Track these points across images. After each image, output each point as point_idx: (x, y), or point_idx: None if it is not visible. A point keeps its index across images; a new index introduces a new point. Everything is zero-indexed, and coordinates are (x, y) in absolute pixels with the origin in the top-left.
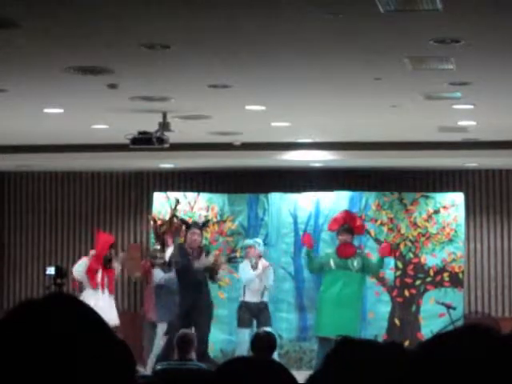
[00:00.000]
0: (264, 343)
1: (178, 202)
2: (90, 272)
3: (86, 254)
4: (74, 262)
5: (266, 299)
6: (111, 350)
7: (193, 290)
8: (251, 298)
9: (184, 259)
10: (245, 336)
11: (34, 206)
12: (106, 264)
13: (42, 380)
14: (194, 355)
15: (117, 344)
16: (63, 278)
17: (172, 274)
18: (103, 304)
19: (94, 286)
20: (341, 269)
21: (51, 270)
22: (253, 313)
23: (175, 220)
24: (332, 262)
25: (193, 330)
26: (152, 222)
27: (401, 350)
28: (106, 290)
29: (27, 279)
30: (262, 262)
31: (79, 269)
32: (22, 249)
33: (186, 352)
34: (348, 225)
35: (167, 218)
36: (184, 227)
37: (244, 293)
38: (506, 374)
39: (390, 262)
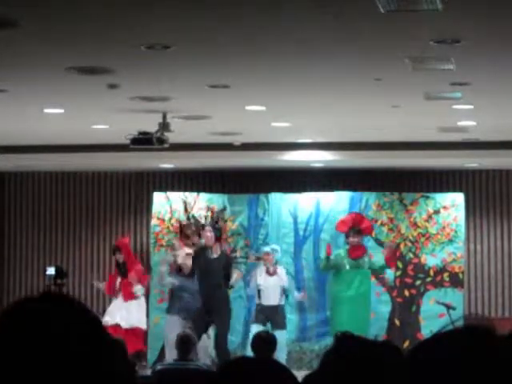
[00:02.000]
0: (264, 343)
1: (185, 203)
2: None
3: (86, 254)
4: (74, 262)
5: (282, 302)
6: (103, 350)
7: (212, 291)
8: (267, 301)
9: (206, 260)
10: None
11: (34, 206)
12: (121, 271)
13: (35, 380)
14: (193, 355)
15: (109, 343)
16: (63, 279)
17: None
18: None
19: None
20: (355, 268)
21: (51, 270)
22: (267, 314)
23: (192, 220)
24: (346, 264)
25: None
26: (178, 225)
27: (397, 351)
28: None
29: (27, 279)
30: (278, 268)
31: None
32: (22, 249)
33: (186, 352)
34: (357, 227)
35: (166, 218)
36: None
37: (259, 296)
38: (504, 375)
39: None
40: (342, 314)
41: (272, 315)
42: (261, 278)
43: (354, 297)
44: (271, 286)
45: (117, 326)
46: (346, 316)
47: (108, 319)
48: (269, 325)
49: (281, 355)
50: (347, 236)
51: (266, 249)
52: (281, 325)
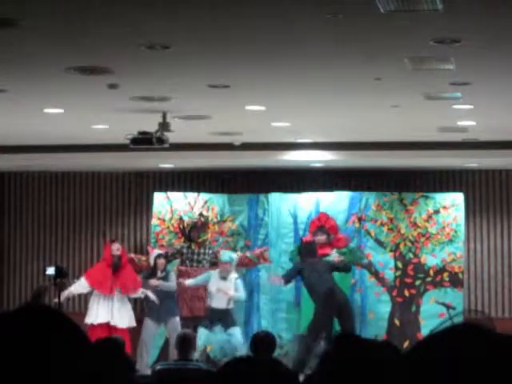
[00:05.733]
0: (263, 343)
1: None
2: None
3: (86, 254)
4: (74, 261)
5: (231, 306)
6: (84, 362)
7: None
8: (217, 304)
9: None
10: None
11: (34, 206)
12: (116, 267)
13: None
14: (194, 355)
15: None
16: (63, 278)
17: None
18: (114, 308)
19: (106, 292)
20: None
21: (51, 270)
22: (217, 317)
23: (201, 218)
24: None
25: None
26: (178, 222)
27: (395, 350)
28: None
29: (27, 279)
30: (232, 274)
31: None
32: (22, 249)
33: (186, 352)
34: (323, 226)
35: (167, 217)
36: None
37: (211, 299)
38: (503, 375)
39: (390, 261)
40: (304, 313)
41: (222, 318)
42: (214, 283)
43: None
44: (220, 289)
45: (109, 325)
46: (308, 315)
47: (99, 320)
48: (219, 326)
49: (242, 351)
50: (315, 235)
51: (225, 258)
52: (231, 324)
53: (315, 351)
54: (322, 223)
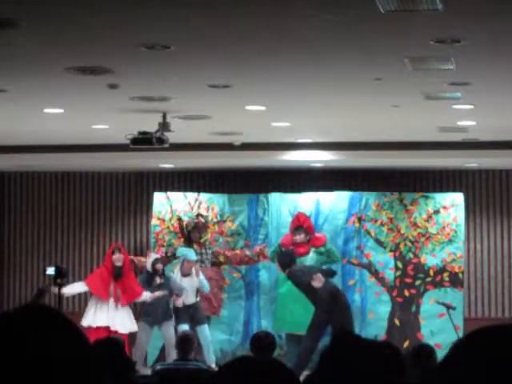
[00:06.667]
0: (263, 343)
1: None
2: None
3: (86, 254)
4: (74, 261)
5: (199, 298)
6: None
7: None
8: (186, 300)
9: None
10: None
11: (34, 206)
12: (117, 276)
13: None
14: (193, 355)
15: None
16: (63, 278)
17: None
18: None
19: (104, 298)
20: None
21: (51, 270)
22: (188, 313)
23: (201, 218)
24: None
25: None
26: (177, 222)
27: (395, 350)
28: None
29: (27, 279)
30: (195, 268)
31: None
32: (22, 249)
33: (185, 352)
34: (300, 226)
35: (167, 217)
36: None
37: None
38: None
39: (390, 261)
40: (281, 311)
41: (192, 313)
42: (179, 280)
43: (291, 294)
44: (187, 286)
45: (109, 330)
46: (286, 313)
47: (99, 323)
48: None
49: (209, 349)
50: (294, 234)
51: (193, 258)
52: (201, 320)
53: (316, 352)
54: (300, 223)
